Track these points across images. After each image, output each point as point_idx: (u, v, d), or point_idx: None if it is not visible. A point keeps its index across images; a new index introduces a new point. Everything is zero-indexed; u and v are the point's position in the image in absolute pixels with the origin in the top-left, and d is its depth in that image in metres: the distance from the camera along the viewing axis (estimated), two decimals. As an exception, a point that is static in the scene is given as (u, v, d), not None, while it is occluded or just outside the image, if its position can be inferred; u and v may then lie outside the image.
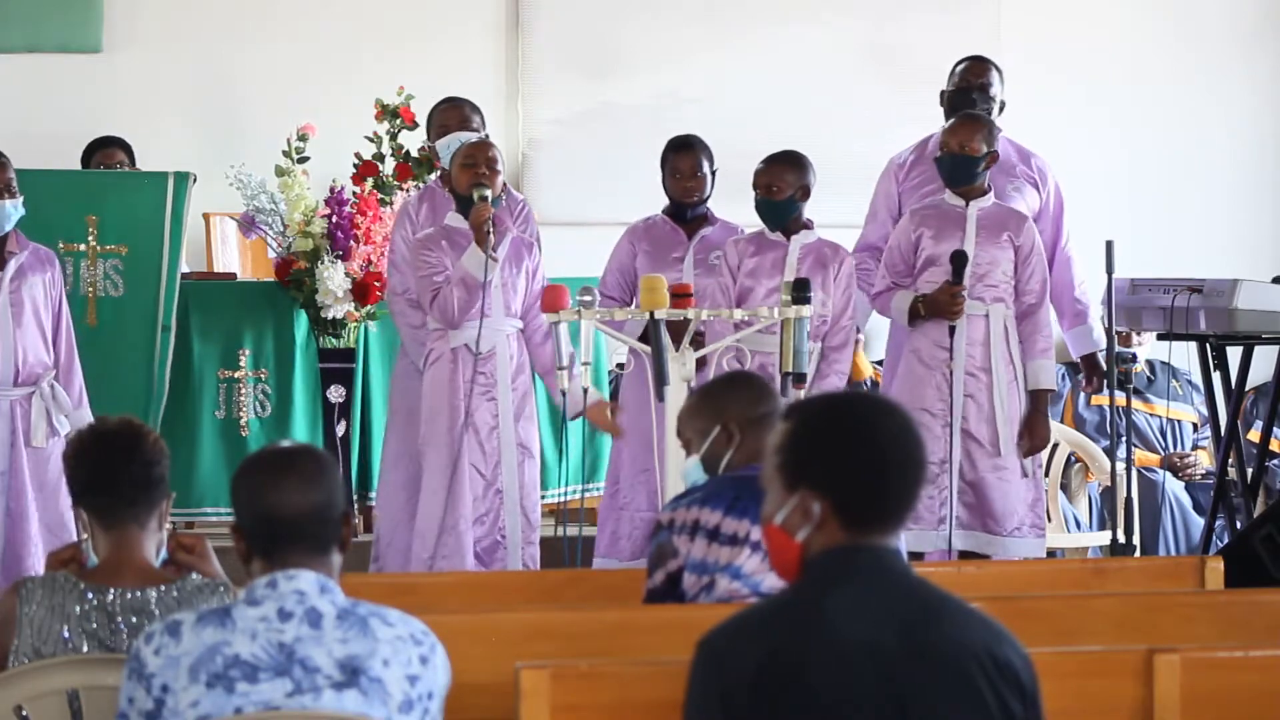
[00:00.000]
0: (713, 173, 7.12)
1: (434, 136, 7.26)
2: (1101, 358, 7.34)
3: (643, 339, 6.51)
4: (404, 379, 7.01)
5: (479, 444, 6.60)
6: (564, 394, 6.51)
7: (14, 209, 6.61)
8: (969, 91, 7.21)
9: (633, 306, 6.85)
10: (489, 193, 6.51)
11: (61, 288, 6.76)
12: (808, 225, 6.82)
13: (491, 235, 6.49)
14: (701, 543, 4.38)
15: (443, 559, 6.48)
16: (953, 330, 6.66)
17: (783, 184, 6.73)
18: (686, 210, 7.12)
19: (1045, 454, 8.30)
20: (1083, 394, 8.81)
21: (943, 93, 7.30)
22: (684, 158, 7.10)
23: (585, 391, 6.33)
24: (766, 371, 6.41)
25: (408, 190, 7.85)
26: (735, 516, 4.34)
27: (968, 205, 6.76)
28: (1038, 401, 6.78)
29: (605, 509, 7.15)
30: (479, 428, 6.59)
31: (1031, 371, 6.76)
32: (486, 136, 7.14)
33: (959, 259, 6.66)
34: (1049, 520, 8.29)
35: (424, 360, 6.74)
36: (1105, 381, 7.38)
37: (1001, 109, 7.31)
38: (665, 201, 7.18)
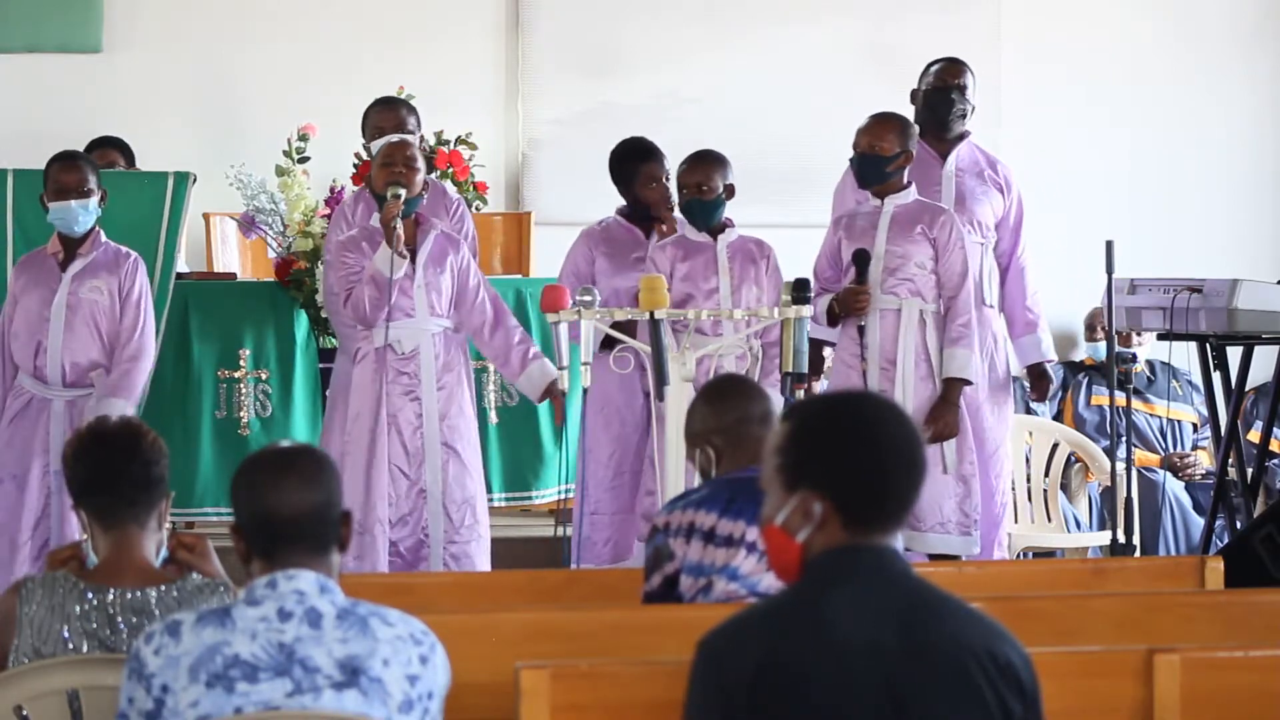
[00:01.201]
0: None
1: (369, 138, 7.26)
2: (1050, 368, 7.35)
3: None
4: (342, 377, 6.99)
5: (402, 444, 6.58)
6: (564, 393, 6.52)
7: (82, 210, 6.65)
8: (947, 91, 7.16)
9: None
10: (403, 191, 6.51)
11: (134, 283, 6.76)
12: (729, 224, 6.83)
13: (400, 233, 6.48)
14: (697, 545, 4.39)
15: (355, 559, 6.45)
16: (862, 329, 6.65)
17: (713, 184, 6.75)
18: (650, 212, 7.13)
19: (1045, 451, 8.35)
20: (1083, 394, 8.82)
21: (914, 92, 7.24)
22: (657, 166, 7.12)
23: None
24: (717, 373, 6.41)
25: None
26: (730, 518, 4.36)
27: (883, 203, 6.75)
28: (947, 390, 6.66)
29: (575, 514, 7.08)
30: (402, 428, 6.58)
31: (945, 359, 6.67)
32: (423, 140, 7.15)
33: (860, 258, 6.65)
34: (1049, 520, 8.31)
35: (352, 358, 6.73)
36: (1049, 384, 7.37)
37: (972, 112, 7.27)
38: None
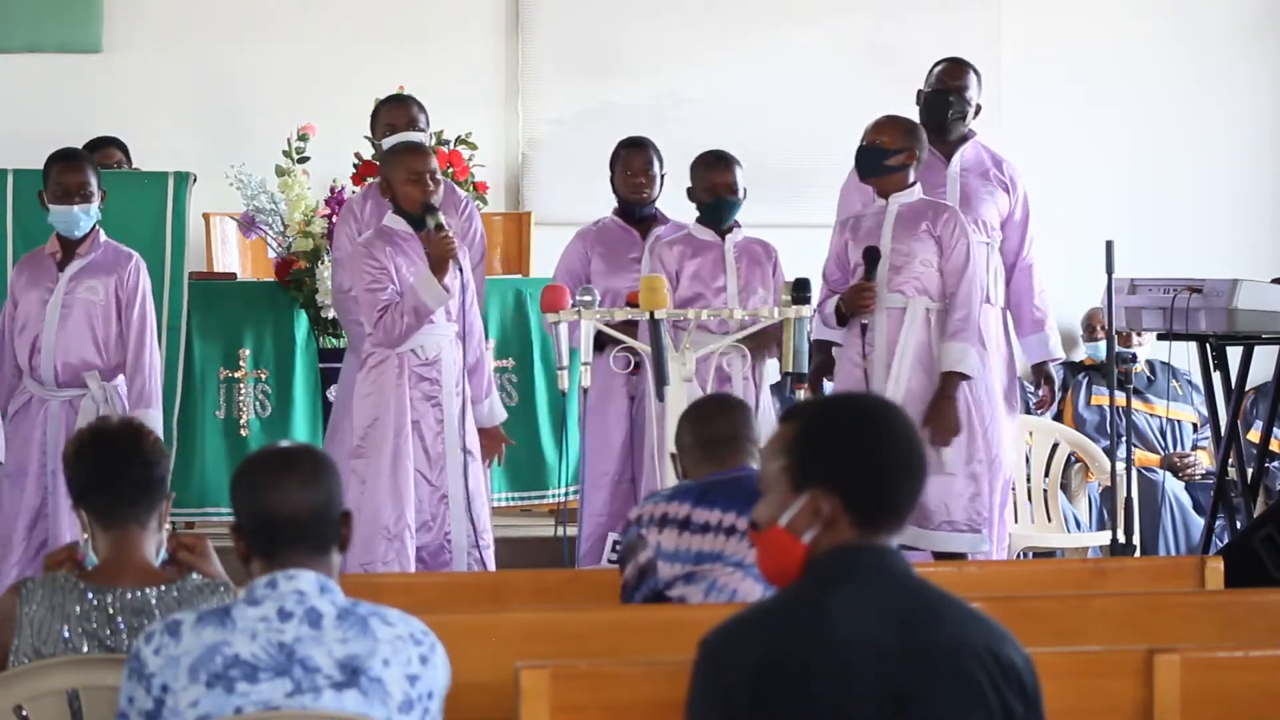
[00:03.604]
0: (662, 176, 7.18)
1: (379, 135, 7.24)
2: (1053, 368, 7.34)
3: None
4: (351, 376, 6.95)
5: (424, 449, 6.53)
6: (564, 394, 6.52)
7: (83, 214, 6.63)
8: (945, 93, 7.16)
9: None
10: (444, 219, 6.44)
11: (136, 286, 6.73)
12: (735, 225, 6.84)
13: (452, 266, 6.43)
14: (671, 533, 4.50)
15: (383, 565, 6.42)
16: (865, 328, 6.62)
17: (737, 185, 6.78)
18: (636, 210, 7.15)
19: (1045, 451, 8.35)
20: (1083, 394, 8.82)
21: (919, 92, 7.25)
22: (636, 155, 7.18)
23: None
24: (721, 370, 6.42)
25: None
26: (705, 507, 4.50)
27: (888, 202, 6.74)
28: (944, 384, 6.55)
29: (579, 513, 7.11)
30: (424, 433, 6.53)
31: (942, 353, 6.57)
32: (431, 138, 7.14)
33: (870, 255, 6.62)
34: (1049, 520, 8.31)
35: (364, 362, 6.62)
36: (1054, 391, 7.39)
37: (977, 112, 7.26)
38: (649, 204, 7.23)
